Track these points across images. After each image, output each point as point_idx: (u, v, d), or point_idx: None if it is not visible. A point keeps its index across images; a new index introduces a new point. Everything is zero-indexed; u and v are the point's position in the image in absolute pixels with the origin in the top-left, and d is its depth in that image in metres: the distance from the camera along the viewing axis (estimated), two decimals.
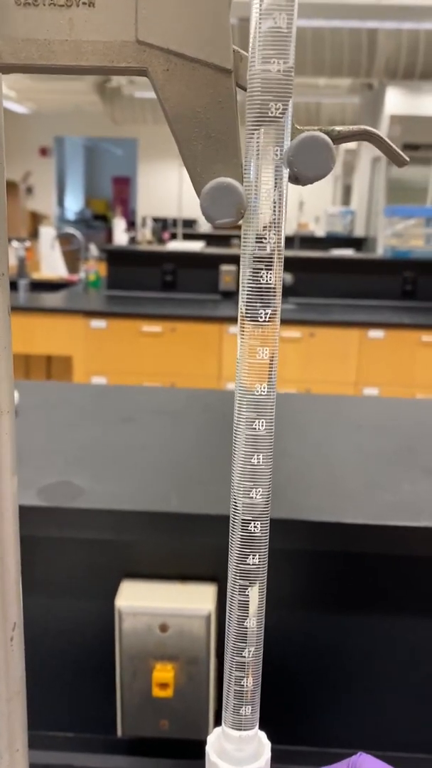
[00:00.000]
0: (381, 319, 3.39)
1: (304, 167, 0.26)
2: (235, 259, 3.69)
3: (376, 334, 3.36)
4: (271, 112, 0.27)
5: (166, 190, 9.18)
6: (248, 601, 0.32)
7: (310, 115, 7.14)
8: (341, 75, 4.82)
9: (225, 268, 3.70)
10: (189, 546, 0.73)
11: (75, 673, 0.77)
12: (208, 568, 0.73)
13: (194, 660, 0.71)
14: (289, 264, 3.51)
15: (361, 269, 3.81)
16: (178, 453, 0.87)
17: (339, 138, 0.29)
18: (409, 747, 0.75)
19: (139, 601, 0.70)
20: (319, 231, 6.69)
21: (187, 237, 5.33)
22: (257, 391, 0.30)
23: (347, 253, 4.46)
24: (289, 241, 4.60)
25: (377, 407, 1.19)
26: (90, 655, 0.75)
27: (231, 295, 3.72)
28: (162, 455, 0.86)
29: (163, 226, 6.83)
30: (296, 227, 5.95)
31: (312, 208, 7.12)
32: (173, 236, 5.78)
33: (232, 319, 3.31)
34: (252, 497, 0.30)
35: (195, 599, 0.71)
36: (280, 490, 0.74)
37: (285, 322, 2.96)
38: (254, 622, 0.32)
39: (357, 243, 5.61)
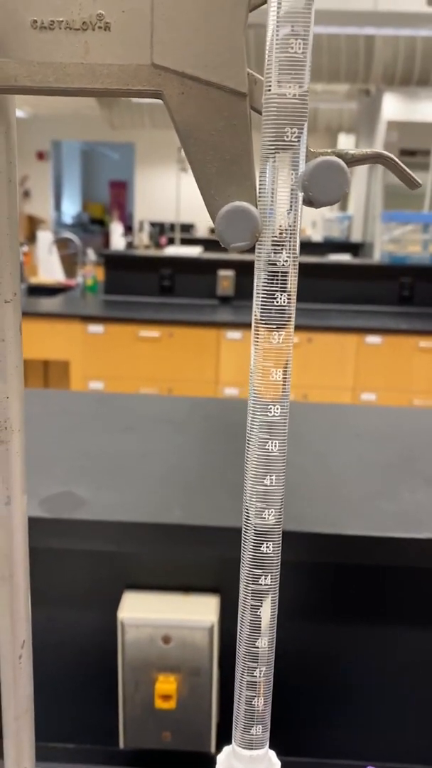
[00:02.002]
0: (378, 324, 3.39)
1: (319, 192, 0.27)
2: (232, 264, 3.70)
3: (373, 339, 3.37)
4: (287, 137, 0.27)
5: (164, 194, 9.19)
6: (260, 620, 0.32)
7: (308, 120, 7.15)
8: (339, 81, 4.84)
9: (223, 273, 3.70)
10: (191, 557, 0.73)
11: (77, 684, 0.77)
12: (211, 579, 0.73)
13: (197, 671, 0.71)
14: None
15: (359, 275, 3.81)
16: (179, 462, 0.87)
17: (353, 161, 0.29)
18: (413, 758, 0.75)
19: (142, 612, 0.70)
20: (317, 236, 6.70)
21: (185, 242, 5.34)
22: (270, 412, 0.30)
23: (344, 258, 4.47)
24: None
25: (376, 416, 1.19)
26: (92, 666, 0.75)
27: (229, 300, 3.72)
28: (163, 464, 0.86)
29: (161, 231, 6.83)
30: None
31: (309, 212, 7.13)
32: (170, 241, 5.79)
33: (230, 324, 3.32)
34: (264, 518, 0.30)
35: (198, 611, 0.71)
36: None
37: None
38: (266, 641, 0.32)
39: (354, 248, 5.62)
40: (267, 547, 0.31)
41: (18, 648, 0.36)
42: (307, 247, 5.55)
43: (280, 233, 0.28)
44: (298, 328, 3.30)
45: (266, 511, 0.30)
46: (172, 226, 6.76)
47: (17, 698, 0.37)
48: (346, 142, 7.40)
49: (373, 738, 0.76)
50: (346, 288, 3.78)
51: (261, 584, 0.31)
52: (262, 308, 0.29)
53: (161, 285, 3.77)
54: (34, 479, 0.78)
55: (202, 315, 3.43)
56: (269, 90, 0.27)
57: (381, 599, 0.74)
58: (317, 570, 0.74)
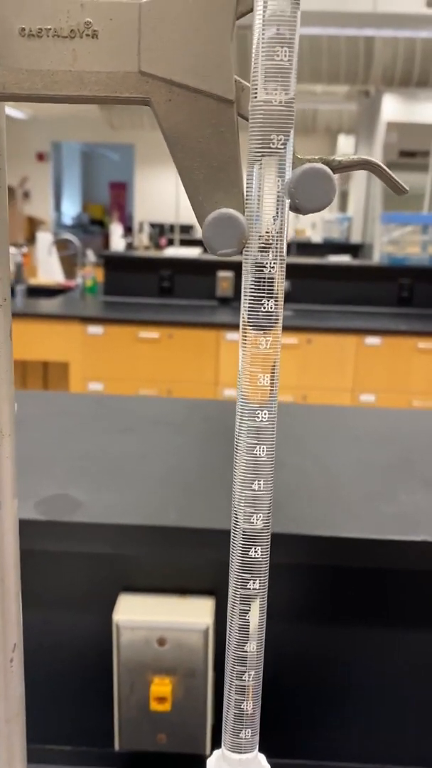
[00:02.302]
0: (378, 325, 3.40)
1: (305, 199, 0.27)
2: (232, 266, 3.70)
3: (372, 340, 3.37)
4: (273, 144, 0.27)
5: (163, 195, 9.20)
6: (248, 624, 0.32)
7: (307, 121, 7.16)
8: (338, 82, 4.84)
9: (222, 274, 3.70)
10: (188, 559, 0.73)
11: (72, 686, 0.77)
12: (207, 581, 0.73)
13: (192, 674, 0.71)
14: (286, 271, 3.50)
15: (358, 276, 3.82)
16: (177, 464, 0.87)
17: (339, 168, 0.29)
18: (412, 761, 0.75)
19: (137, 615, 0.70)
20: (316, 237, 6.70)
21: (184, 243, 5.34)
22: (258, 417, 0.30)
23: (344, 259, 4.48)
24: (287, 248, 4.60)
25: (375, 417, 1.19)
26: (87, 668, 0.75)
27: (228, 301, 3.73)
28: (161, 467, 0.86)
29: (160, 232, 6.84)
30: (293, 234, 5.96)
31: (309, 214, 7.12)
32: (170, 242, 5.79)
33: (230, 326, 3.32)
34: (253, 523, 0.31)
35: (193, 613, 0.71)
36: (278, 503, 0.74)
37: (282, 328, 2.96)
38: (254, 645, 0.32)
39: (354, 249, 5.62)
40: (255, 551, 0.31)
41: (9, 651, 0.36)
42: (307, 248, 5.55)
43: (267, 239, 0.28)
44: (298, 329, 3.30)
45: (254, 515, 0.31)
46: (171, 227, 6.77)
47: (8, 702, 0.37)
48: (345, 143, 7.41)
49: (371, 740, 0.76)
50: (346, 289, 3.78)
51: (249, 588, 0.31)
52: (249, 313, 0.29)
53: (161, 286, 3.78)
54: (30, 481, 0.78)
55: (202, 316, 3.44)
56: (255, 97, 0.27)
57: (379, 602, 0.74)
58: (315, 572, 0.74)
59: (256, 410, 0.30)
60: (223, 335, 3.33)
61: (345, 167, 0.29)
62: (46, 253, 4.32)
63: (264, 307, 0.29)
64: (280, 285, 0.29)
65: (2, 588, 0.34)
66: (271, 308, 0.28)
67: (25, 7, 0.27)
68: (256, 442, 0.30)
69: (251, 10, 0.29)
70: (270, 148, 0.27)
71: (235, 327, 3.31)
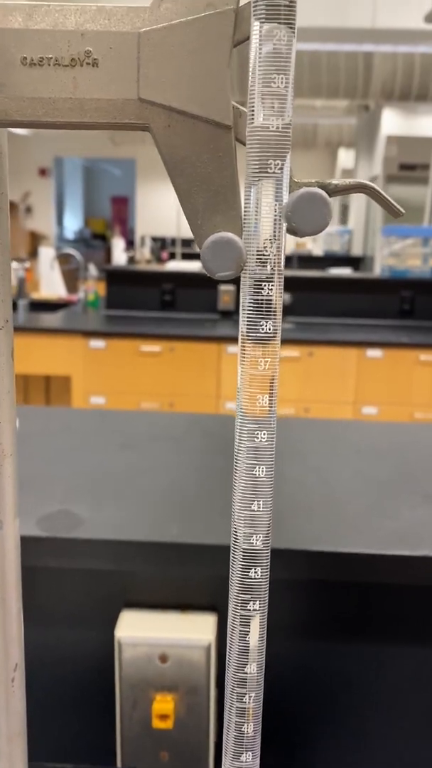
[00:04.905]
0: (379, 338, 3.40)
1: (302, 223, 0.27)
2: (233, 279, 3.71)
3: (374, 353, 3.37)
4: (270, 169, 0.27)
5: (165, 209, 9.26)
6: (248, 646, 0.32)
7: (308, 135, 7.21)
8: (338, 97, 4.88)
9: (224, 287, 3.72)
10: (189, 575, 0.73)
11: (74, 703, 0.76)
12: (209, 597, 0.73)
13: (194, 691, 0.70)
14: (288, 284, 3.53)
15: (359, 289, 3.83)
16: (178, 480, 0.87)
17: (336, 191, 0.29)
18: None
19: (139, 631, 0.70)
20: (317, 250, 6.73)
21: (186, 256, 5.37)
22: (257, 438, 0.30)
23: (345, 272, 4.49)
24: (288, 261, 4.64)
25: (376, 431, 1.19)
26: (89, 685, 0.75)
27: (230, 315, 3.74)
28: (162, 482, 0.86)
29: (162, 246, 6.87)
30: (294, 247, 5.99)
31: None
32: (172, 255, 5.81)
33: (231, 339, 3.33)
34: (252, 543, 0.31)
35: (195, 629, 0.71)
36: (279, 517, 0.74)
37: (283, 341, 2.97)
38: (254, 667, 0.32)
39: (355, 262, 5.64)
40: (255, 572, 0.31)
41: (11, 671, 0.36)
42: (308, 261, 5.57)
43: (265, 260, 0.28)
44: (299, 342, 3.31)
45: (254, 536, 0.31)
46: (173, 241, 6.80)
47: (10, 721, 0.37)
48: (346, 157, 7.45)
49: (370, 756, 0.76)
50: (347, 302, 3.79)
51: (249, 609, 0.32)
52: (248, 331, 0.29)
53: (162, 300, 3.79)
54: (32, 497, 0.78)
55: (204, 330, 3.45)
56: (252, 122, 0.28)
57: (381, 617, 0.73)
58: (314, 587, 0.74)
59: (255, 431, 0.30)
60: (224, 348, 3.33)
61: (341, 191, 0.29)
62: (49, 268, 4.34)
63: (263, 328, 0.29)
64: (279, 305, 0.29)
65: (4, 608, 0.34)
66: (270, 329, 0.29)
67: (27, 37, 0.28)
68: (255, 462, 0.30)
69: (248, 38, 0.29)
70: (267, 172, 0.28)
71: (236, 340, 3.31)
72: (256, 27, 0.27)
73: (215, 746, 0.72)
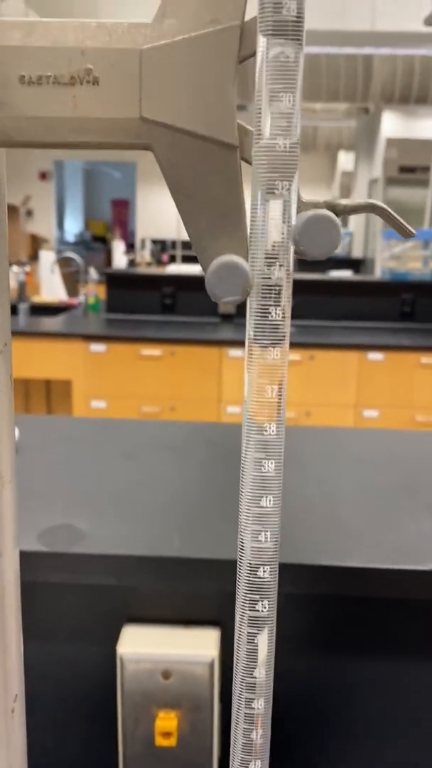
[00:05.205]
0: (380, 341, 3.39)
1: (311, 247, 0.26)
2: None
3: (375, 356, 3.36)
4: (278, 190, 0.27)
5: (165, 212, 9.24)
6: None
7: (308, 138, 7.20)
8: (338, 100, 4.88)
9: None
10: (192, 589, 0.72)
11: (76, 720, 0.75)
12: (212, 611, 0.72)
13: (198, 707, 0.69)
14: None
15: (360, 291, 3.82)
16: (180, 491, 0.86)
17: (345, 211, 0.28)
18: None
19: (142, 647, 0.69)
20: None
21: (187, 259, 5.36)
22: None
23: (346, 274, 4.49)
24: None
25: (377, 440, 1.18)
26: (91, 701, 0.74)
27: (230, 318, 3.73)
28: (164, 494, 0.85)
29: (162, 248, 6.86)
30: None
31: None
32: (172, 258, 5.81)
33: (232, 342, 3.32)
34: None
35: (198, 645, 0.70)
36: (281, 530, 0.73)
37: None
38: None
39: (355, 264, 5.64)
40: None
41: (10, 702, 0.35)
42: (308, 263, 5.56)
43: (271, 285, 0.27)
44: (300, 345, 3.30)
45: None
46: (173, 244, 6.79)
47: (10, 751, 0.36)
48: (346, 160, 7.45)
49: None
50: (348, 305, 3.78)
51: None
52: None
53: (163, 303, 3.78)
54: (32, 510, 0.77)
55: (204, 333, 3.44)
56: (259, 142, 0.27)
57: (384, 632, 0.72)
58: (318, 601, 0.73)
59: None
60: (225, 352, 3.32)
61: (350, 211, 0.28)
62: (49, 272, 4.34)
63: (270, 356, 0.28)
64: (286, 330, 0.28)
65: (3, 639, 0.34)
66: (276, 356, 0.28)
67: (25, 55, 0.27)
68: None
69: (254, 54, 0.28)
70: (275, 193, 0.27)
71: (237, 344, 3.31)
72: (262, 43, 0.26)
73: (219, 763, 0.71)
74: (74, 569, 0.69)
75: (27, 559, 0.67)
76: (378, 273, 4.60)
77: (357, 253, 6.33)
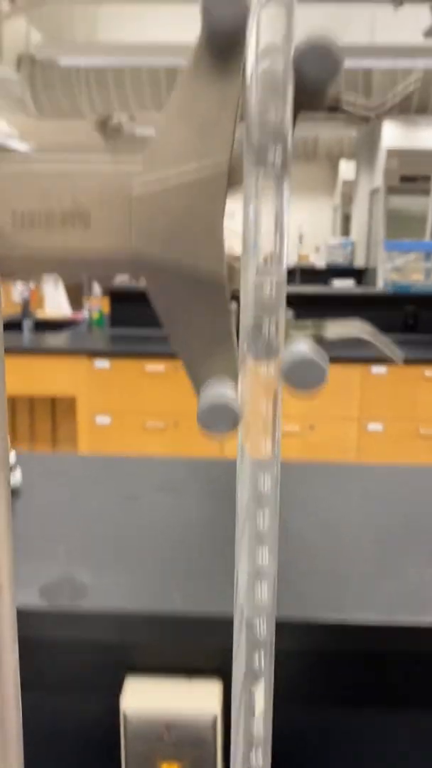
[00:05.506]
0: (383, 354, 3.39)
1: (299, 384, 0.27)
2: (237, 297, 3.71)
3: (379, 369, 3.36)
4: (264, 328, 0.27)
5: None
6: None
7: (309, 148, 7.22)
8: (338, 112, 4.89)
9: None
10: (194, 643, 0.72)
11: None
12: (215, 662, 0.72)
13: (201, 761, 0.70)
14: (291, 300, 3.52)
15: (362, 304, 3.83)
16: (183, 538, 0.87)
17: (332, 339, 0.29)
18: None
19: (144, 702, 0.70)
20: (320, 261, 6.74)
21: None
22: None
23: (348, 284, 4.50)
24: (290, 274, 4.63)
25: (380, 477, 1.18)
26: (93, 755, 0.74)
27: None
28: (165, 541, 0.86)
29: None
30: (297, 259, 6.00)
31: (312, 238, 7.19)
32: None
33: None
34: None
35: (201, 698, 0.70)
36: (279, 577, 0.74)
37: None
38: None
39: (357, 273, 5.65)
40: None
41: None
42: (311, 273, 5.58)
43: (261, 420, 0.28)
44: None
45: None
46: None
47: None
48: (347, 169, 7.47)
49: None
50: (350, 317, 3.79)
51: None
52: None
53: None
54: (33, 560, 0.78)
55: None
56: (246, 282, 0.27)
57: (385, 685, 0.73)
58: (318, 655, 0.73)
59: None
60: None
61: (337, 339, 0.29)
62: (53, 287, 4.36)
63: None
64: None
65: (2, 716, 0.34)
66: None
67: (17, 196, 0.28)
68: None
69: (241, 182, 0.29)
70: (261, 333, 0.27)
71: None
72: (251, 182, 0.27)
73: None
74: (75, 626, 0.70)
75: (27, 616, 0.68)
76: (380, 284, 4.61)
77: (359, 261, 6.33)
